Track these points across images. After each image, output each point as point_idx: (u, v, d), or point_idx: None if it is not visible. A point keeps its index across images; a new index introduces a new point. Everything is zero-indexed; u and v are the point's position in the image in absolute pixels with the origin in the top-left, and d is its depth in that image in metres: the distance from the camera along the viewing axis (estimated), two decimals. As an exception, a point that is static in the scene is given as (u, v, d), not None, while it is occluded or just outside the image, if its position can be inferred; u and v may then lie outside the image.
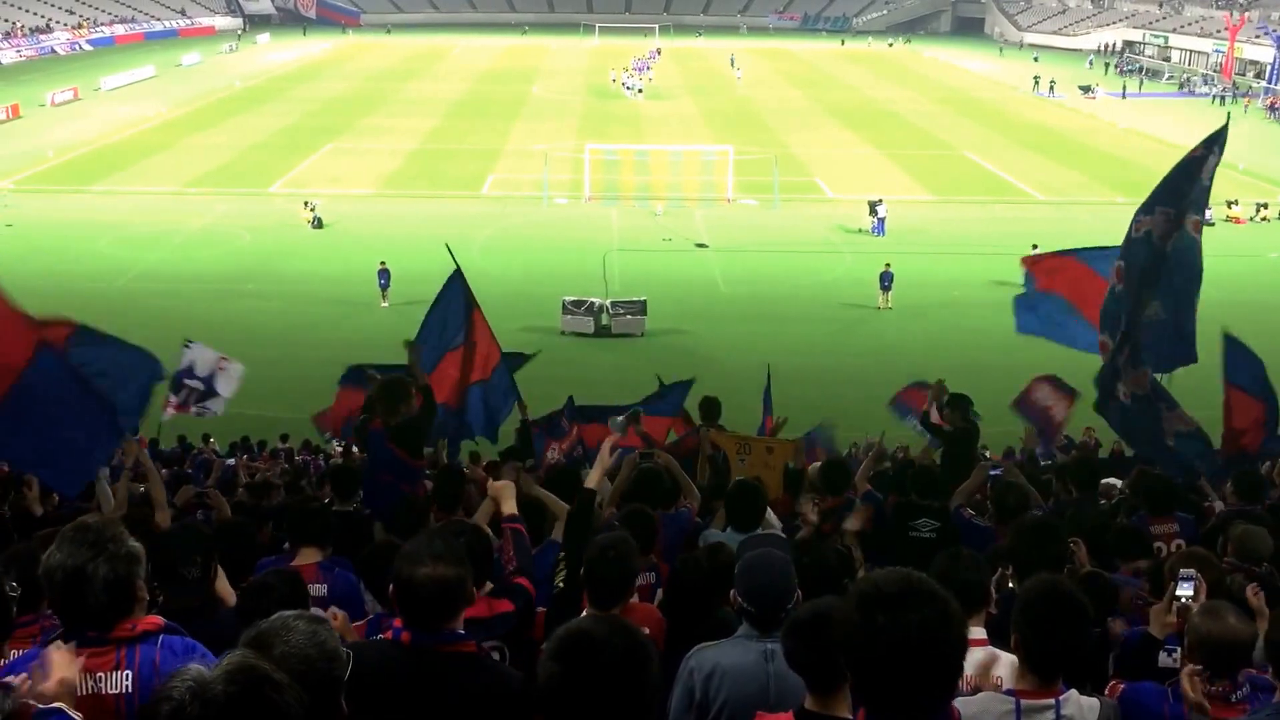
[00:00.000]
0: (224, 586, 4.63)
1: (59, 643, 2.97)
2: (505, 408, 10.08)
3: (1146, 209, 8.81)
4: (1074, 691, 3.47)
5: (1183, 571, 4.46)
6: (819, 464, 8.89)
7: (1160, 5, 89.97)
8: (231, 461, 14.31)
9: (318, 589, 5.13)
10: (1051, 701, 3.41)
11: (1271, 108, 60.11)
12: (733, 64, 72.90)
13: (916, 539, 6.86)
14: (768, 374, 13.10)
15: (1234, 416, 8.81)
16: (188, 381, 12.01)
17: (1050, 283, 10.37)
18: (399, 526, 6.02)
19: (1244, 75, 70.51)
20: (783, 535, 6.29)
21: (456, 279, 9.63)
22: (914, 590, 2.36)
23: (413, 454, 7.62)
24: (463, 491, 6.80)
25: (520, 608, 4.33)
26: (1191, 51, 79.62)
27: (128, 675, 3.15)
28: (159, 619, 3.29)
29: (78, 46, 79.29)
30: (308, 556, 5.41)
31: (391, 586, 3.32)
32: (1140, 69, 77.17)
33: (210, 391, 12.16)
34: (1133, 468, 10.34)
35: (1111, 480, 10.23)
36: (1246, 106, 61.48)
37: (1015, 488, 7.20)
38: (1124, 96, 64.87)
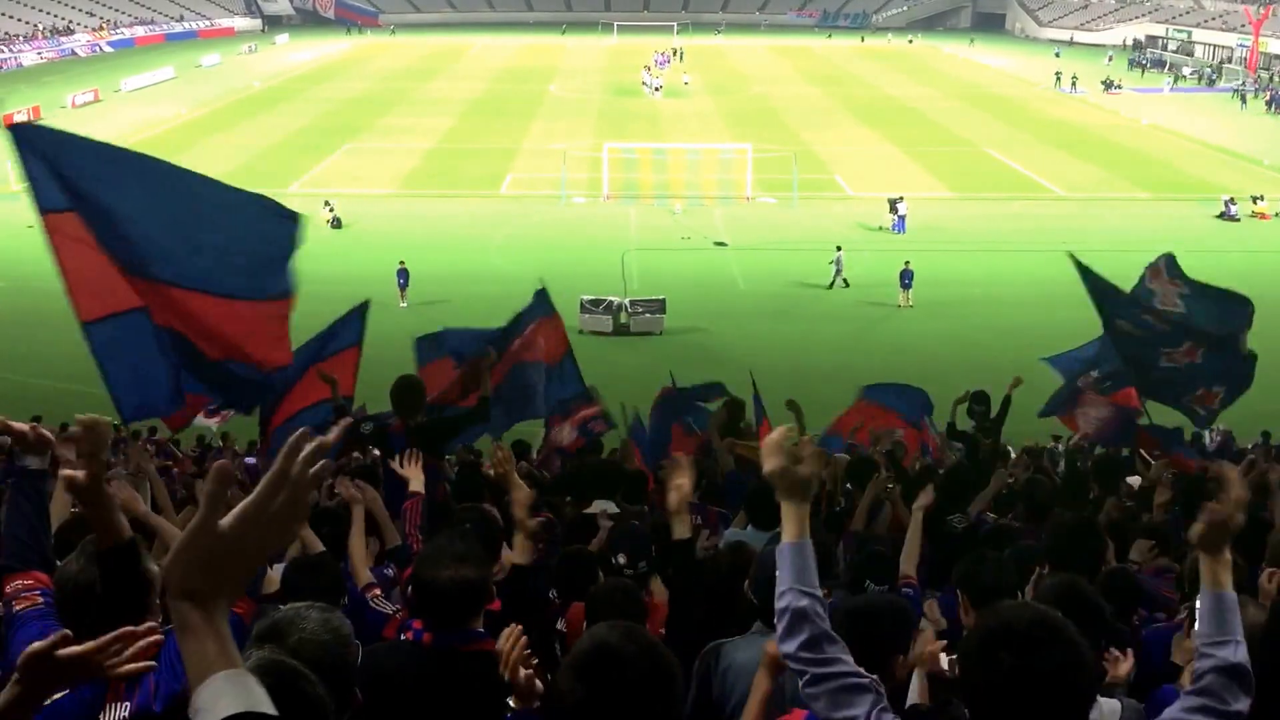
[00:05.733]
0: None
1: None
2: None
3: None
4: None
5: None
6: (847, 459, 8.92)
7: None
8: (252, 460, 14.16)
9: None
10: None
11: (1269, 101, 59.73)
12: (676, 55, 72.75)
13: (948, 533, 6.88)
14: (753, 382, 12.30)
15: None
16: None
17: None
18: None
19: (1268, 69, 69.81)
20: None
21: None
22: (1045, 629, 2.18)
23: (431, 454, 7.60)
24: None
25: (506, 610, 3.87)
26: (1215, 46, 78.93)
27: (125, 706, 3.07)
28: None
29: (98, 48, 79.83)
30: None
31: (410, 588, 3.29)
32: (1164, 63, 76.43)
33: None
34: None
35: (1135, 479, 10.15)
36: (1268, 101, 60.92)
37: (1043, 484, 7.20)
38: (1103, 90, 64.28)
